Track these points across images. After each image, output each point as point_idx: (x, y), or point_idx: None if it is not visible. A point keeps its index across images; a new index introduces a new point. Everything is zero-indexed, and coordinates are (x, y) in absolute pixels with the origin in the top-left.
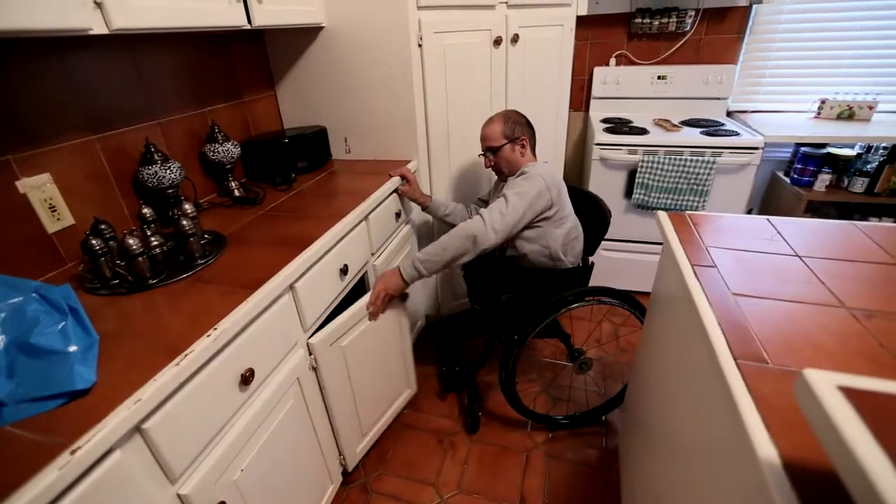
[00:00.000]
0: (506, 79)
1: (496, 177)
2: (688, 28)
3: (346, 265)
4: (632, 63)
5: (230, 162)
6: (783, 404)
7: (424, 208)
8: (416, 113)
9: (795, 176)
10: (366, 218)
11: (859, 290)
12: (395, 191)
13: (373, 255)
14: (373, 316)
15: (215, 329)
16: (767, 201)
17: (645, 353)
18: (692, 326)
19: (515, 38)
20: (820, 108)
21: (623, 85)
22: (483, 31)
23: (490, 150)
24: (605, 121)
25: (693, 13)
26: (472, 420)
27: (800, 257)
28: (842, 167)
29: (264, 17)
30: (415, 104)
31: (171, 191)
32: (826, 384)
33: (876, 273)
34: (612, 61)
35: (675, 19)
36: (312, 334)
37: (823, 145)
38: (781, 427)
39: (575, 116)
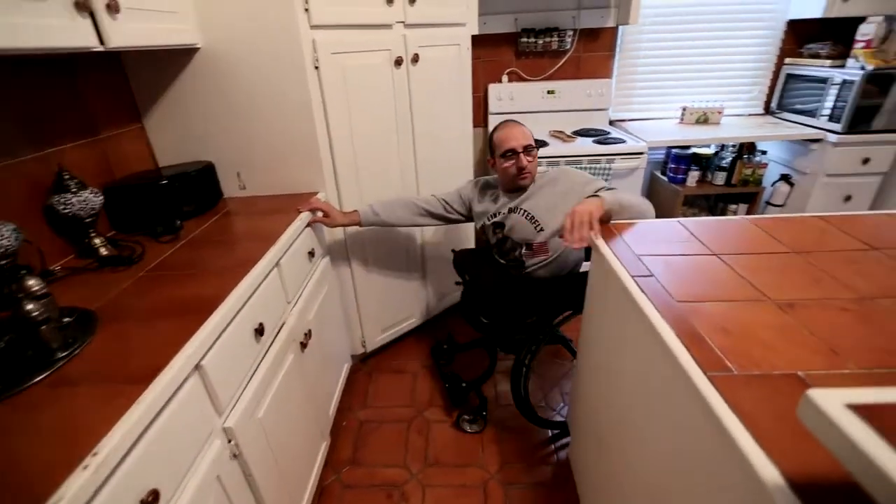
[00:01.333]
0: (410, 99)
1: (473, 187)
2: (568, 46)
3: (261, 324)
4: (522, 79)
5: (90, 215)
6: (766, 417)
7: (361, 225)
8: (318, 140)
9: (671, 175)
10: (277, 264)
11: (773, 281)
12: (308, 225)
13: (289, 303)
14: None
15: (95, 455)
16: (650, 198)
17: (587, 367)
18: (646, 340)
19: (416, 58)
20: (682, 114)
21: (517, 100)
22: (383, 51)
23: (531, 148)
24: None
25: (571, 33)
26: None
27: (717, 256)
28: (705, 164)
29: (121, 37)
30: (316, 130)
31: (3, 262)
32: (835, 404)
33: (778, 263)
34: (505, 78)
35: (556, 38)
36: (228, 415)
37: (689, 146)
38: (774, 444)
39: (477, 133)
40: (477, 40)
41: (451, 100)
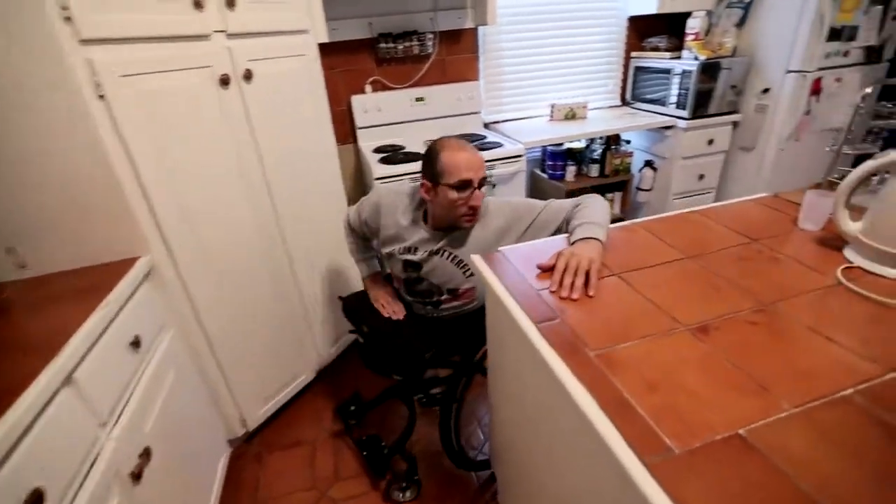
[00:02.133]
0: (250, 124)
1: (409, 216)
2: (431, 50)
3: (37, 491)
4: (387, 88)
5: None
6: None
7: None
8: (123, 190)
9: (550, 171)
10: (68, 381)
11: (679, 299)
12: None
13: (104, 425)
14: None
15: None
16: (536, 196)
17: (500, 420)
18: (564, 407)
19: (249, 75)
20: (551, 111)
21: (385, 111)
22: (200, 69)
23: (484, 182)
24: (377, 150)
25: (432, 36)
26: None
27: (618, 276)
28: (579, 158)
29: None
30: (117, 178)
31: None
32: None
33: (677, 273)
34: (368, 88)
35: (417, 42)
36: None
37: (562, 143)
38: None
39: (344, 150)
40: (328, 49)
41: (305, 118)
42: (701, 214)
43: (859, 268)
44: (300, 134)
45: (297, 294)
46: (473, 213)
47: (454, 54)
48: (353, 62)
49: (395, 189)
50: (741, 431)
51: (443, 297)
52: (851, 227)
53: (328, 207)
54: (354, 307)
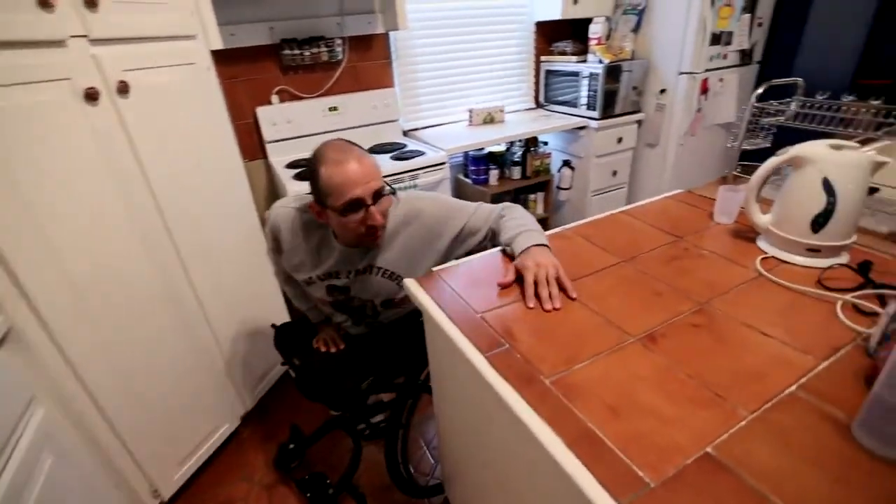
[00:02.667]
0: (132, 145)
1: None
2: (341, 57)
3: None
4: (297, 98)
5: None
6: None
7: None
8: None
9: (474, 176)
10: None
11: (623, 307)
12: None
13: None
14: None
15: None
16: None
17: (455, 445)
18: (523, 443)
19: (124, 88)
20: (470, 116)
21: (296, 123)
22: (56, 81)
23: (381, 192)
24: (291, 165)
25: (341, 41)
26: None
27: (561, 289)
28: (500, 161)
29: None
30: None
31: None
32: None
33: (616, 279)
34: (275, 98)
35: (325, 49)
36: None
37: (483, 147)
38: None
39: (254, 168)
40: (225, 56)
41: (202, 135)
42: (627, 214)
43: (774, 257)
44: (197, 153)
45: (209, 336)
46: (375, 231)
47: (366, 60)
48: (256, 71)
49: (290, 205)
50: (709, 449)
51: (379, 310)
52: (762, 219)
53: (239, 233)
54: (286, 338)
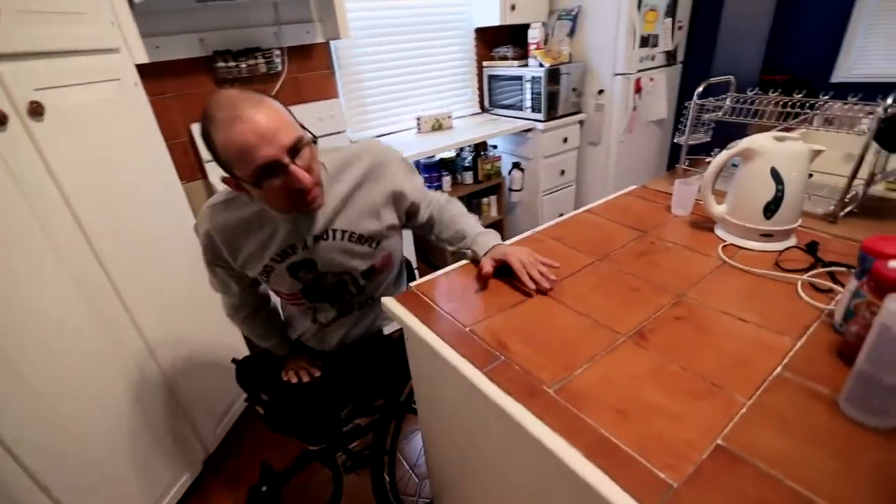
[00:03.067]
0: (51, 174)
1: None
2: (280, 68)
3: None
4: None
5: None
6: None
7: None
8: None
9: (427, 184)
10: None
11: (607, 306)
12: None
13: None
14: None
15: None
16: None
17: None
18: (536, 460)
19: (38, 110)
20: (419, 124)
21: None
22: None
23: (300, 145)
24: None
25: (279, 52)
26: None
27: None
28: (452, 167)
29: None
30: None
31: None
32: None
33: (595, 279)
34: None
35: (262, 60)
36: None
37: (434, 154)
38: None
39: (193, 189)
40: (152, 71)
41: (133, 158)
42: (592, 213)
43: (732, 244)
44: (129, 178)
45: (159, 380)
46: (310, 192)
47: (307, 71)
48: (188, 85)
49: (216, 202)
50: (720, 441)
51: (362, 283)
52: (718, 209)
53: (184, 261)
54: (250, 372)
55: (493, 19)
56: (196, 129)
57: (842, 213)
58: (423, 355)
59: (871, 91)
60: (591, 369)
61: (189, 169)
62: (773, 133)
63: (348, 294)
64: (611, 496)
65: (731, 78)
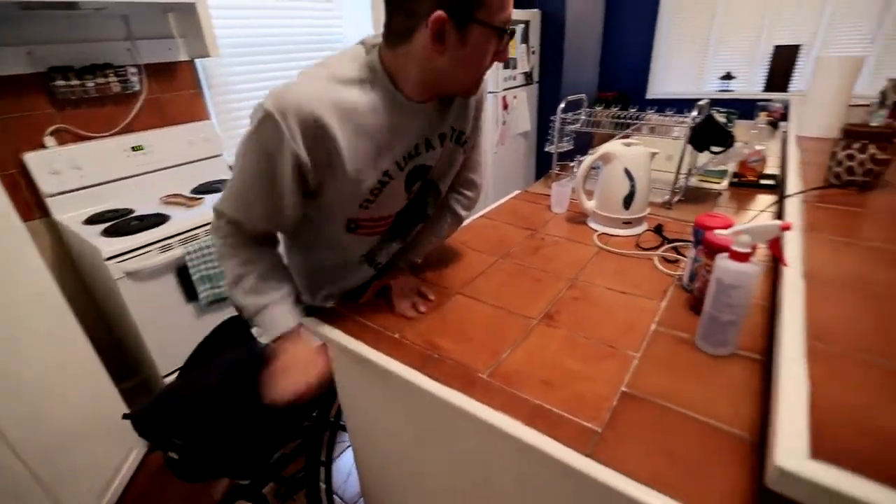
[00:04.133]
0: None
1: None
2: (138, 87)
3: None
4: (84, 138)
5: None
6: (662, 465)
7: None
8: None
9: None
10: None
11: (517, 298)
12: None
13: None
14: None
15: None
16: None
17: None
18: (485, 439)
19: None
20: None
21: (89, 168)
22: None
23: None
24: (91, 220)
25: (136, 70)
26: None
27: (460, 293)
28: None
29: None
30: None
31: None
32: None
33: (502, 275)
34: (50, 140)
35: (115, 79)
36: None
37: None
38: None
39: (35, 229)
40: None
41: None
42: (487, 218)
43: (604, 233)
44: None
45: (13, 462)
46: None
47: (171, 91)
48: (15, 107)
49: (317, 74)
50: (624, 389)
51: (442, 192)
52: (589, 204)
53: (35, 314)
54: (153, 419)
55: (363, 35)
56: (32, 158)
57: (674, 201)
58: (353, 370)
59: (674, 105)
60: (515, 352)
61: (24, 208)
62: (623, 140)
63: (420, 217)
64: (553, 451)
65: (584, 96)
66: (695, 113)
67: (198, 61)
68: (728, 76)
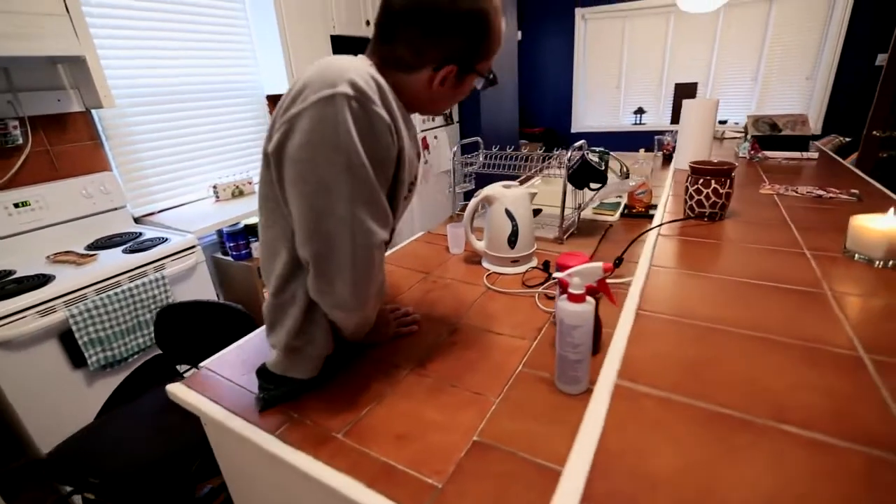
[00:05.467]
0: None
1: None
2: (21, 141)
3: None
4: None
5: None
6: None
7: None
8: None
9: (234, 253)
10: None
11: (394, 346)
12: None
13: None
14: None
15: None
16: (224, 284)
17: None
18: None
19: None
20: (216, 192)
21: None
22: None
23: None
24: None
25: (17, 123)
26: None
27: None
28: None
29: None
30: None
31: None
32: None
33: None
34: None
35: None
36: None
37: (238, 221)
38: None
39: None
40: None
41: None
42: (386, 263)
43: (494, 272)
44: None
45: None
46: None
47: (64, 143)
48: None
49: (364, 76)
50: (475, 438)
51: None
52: (479, 245)
53: None
54: (66, 461)
55: (282, 87)
56: None
57: (565, 236)
58: (221, 438)
59: (598, 138)
60: (378, 406)
61: None
62: (503, 182)
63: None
64: None
65: (479, 139)
66: (569, 154)
67: (95, 112)
68: (640, 111)
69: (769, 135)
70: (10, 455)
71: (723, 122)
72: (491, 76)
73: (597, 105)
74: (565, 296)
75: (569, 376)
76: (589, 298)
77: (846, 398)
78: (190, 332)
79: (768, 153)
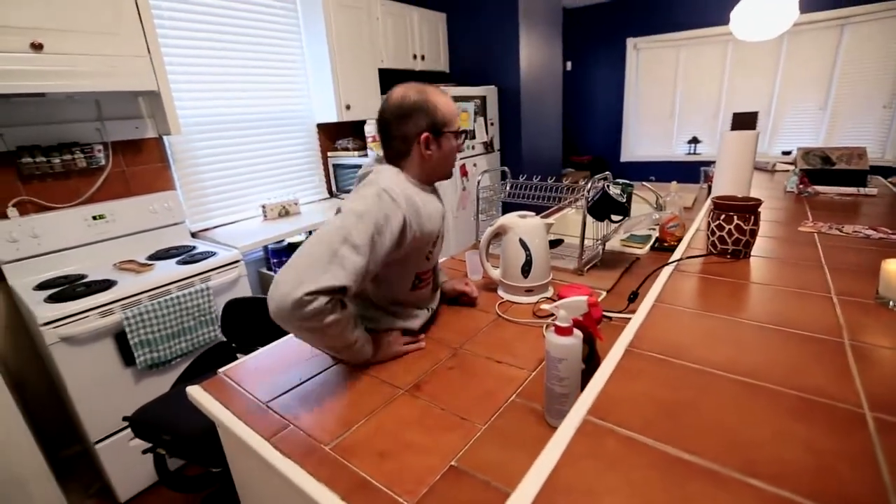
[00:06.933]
0: None
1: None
2: (104, 162)
3: None
4: (45, 209)
5: None
6: None
7: None
8: None
9: (277, 268)
10: None
11: (394, 366)
12: None
13: None
14: None
15: None
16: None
17: None
18: None
19: None
20: (264, 211)
21: (46, 237)
22: None
23: None
24: (42, 286)
25: (102, 147)
26: None
27: (341, 362)
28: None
29: None
30: None
31: None
32: None
33: None
34: (13, 212)
35: (82, 155)
36: None
37: (282, 239)
38: None
39: None
40: None
41: None
42: None
43: (508, 301)
44: None
45: None
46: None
47: (137, 165)
48: None
49: (393, 181)
50: (453, 462)
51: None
52: (494, 272)
53: None
54: (146, 420)
55: (331, 117)
56: None
57: (586, 268)
58: (229, 440)
59: (645, 169)
60: (367, 422)
61: None
62: (519, 212)
63: (432, 288)
64: None
65: (506, 168)
66: (588, 186)
67: (166, 138)
68: (695, 140)
69: (821, 168)
70: (63, 443)
71: (787, 153)
72: (462, 133)
73: (648, 134)
74: (552, 328)
75: (555, 409)
76: (577, 332)
77: (832, 455)
78: (249, 323)
79: (820, 188)
